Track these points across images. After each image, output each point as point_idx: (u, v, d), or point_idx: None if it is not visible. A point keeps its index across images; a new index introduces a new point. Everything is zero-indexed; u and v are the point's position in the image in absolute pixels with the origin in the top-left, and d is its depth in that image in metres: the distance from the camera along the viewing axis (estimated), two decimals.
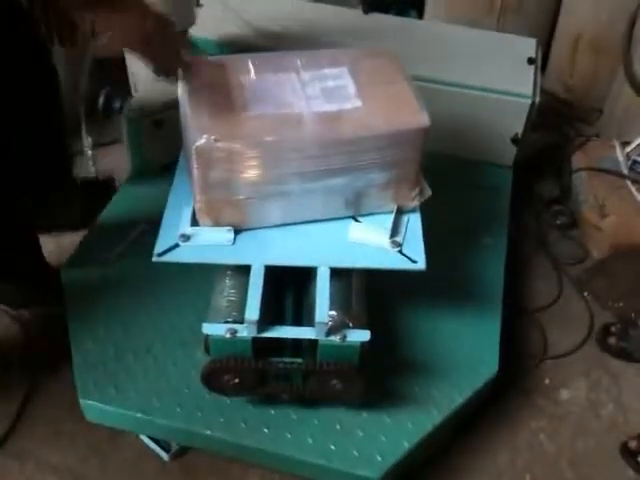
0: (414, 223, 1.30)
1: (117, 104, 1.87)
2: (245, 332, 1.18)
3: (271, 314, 1.25)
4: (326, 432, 1.31)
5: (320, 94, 1.22)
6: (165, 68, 1.25)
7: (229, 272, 1.31)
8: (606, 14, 2.32)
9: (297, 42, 1.82)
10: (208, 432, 1.30)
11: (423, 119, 1.21)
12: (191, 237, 1.22)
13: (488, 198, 1.87)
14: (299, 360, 1.23)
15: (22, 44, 1.32)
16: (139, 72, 1.85)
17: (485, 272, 1.63)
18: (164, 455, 1.45)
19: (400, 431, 1.31)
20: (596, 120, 2.48)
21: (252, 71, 1.26)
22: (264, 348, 1.22)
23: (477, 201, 1.84)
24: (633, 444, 1.50)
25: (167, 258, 1.20)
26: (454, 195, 1.70)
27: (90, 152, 1.33)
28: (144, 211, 1.67)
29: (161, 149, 1.70)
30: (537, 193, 2.18)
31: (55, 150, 1.64)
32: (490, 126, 1.90)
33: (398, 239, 1.25)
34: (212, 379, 1.25)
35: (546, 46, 2.50)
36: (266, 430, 1.31)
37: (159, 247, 1.21)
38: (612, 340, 1.72)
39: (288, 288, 1.39)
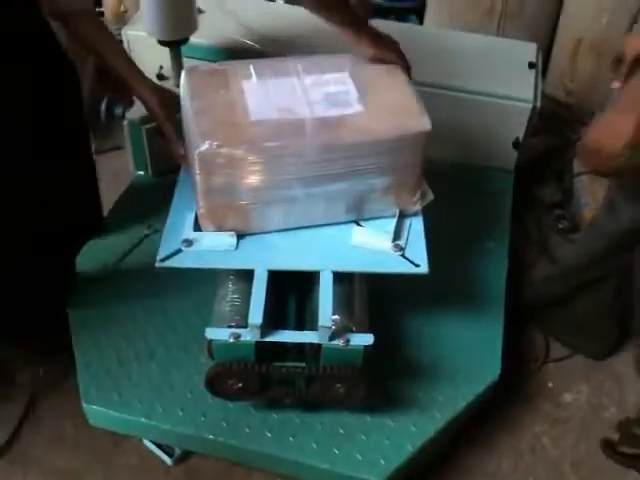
0: (416, 227, 1.30)
1: (119, 110, 1.88)
2: (248, 336, 1.18)
3: (274, 318, 1.26)
4: (329, 436, 1.31)
5: (322, 99, 1.22)
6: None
7: (232, 277, 1.31)
8: (606, 18, 2.32)
9: (297, 48, 1.82)
10: (211, 437, 1.31)
11: (424, 123, 1.21)
12: (194, 242, 1.22)
13: (489, 202, 1.87)
14: (302, 364, 1.23)
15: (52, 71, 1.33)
16: None
17: (487, 276, 1.63)
18: (167, 460, 1.45)
19: (403, 435, 1.32)
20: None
21: (254, 76, 1.26)
22: (267, 352, 1.22)
23: (479, 205, 1.84)
24: (613, 436, 1.52)
25: (170, 263, 1.20)
26: (456, 200, 1.70)
27: None
28: (147, 216, 1.67)
29: (163, 155, 1.71)
30: (539, 197, 2.18)
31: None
32: (491, 130, 1.90)
33: (400, 243, 1.25)
34: (215, 384, 1.26)
35: (547, 50, 2.51)
36: (269, 434, 1.31)
37: (162, 252, 1.21)
38: None
39: (290, 292, 1.39)
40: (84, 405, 1.35)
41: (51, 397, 1.56)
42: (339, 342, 1.18)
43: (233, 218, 1.23)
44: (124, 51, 1.42)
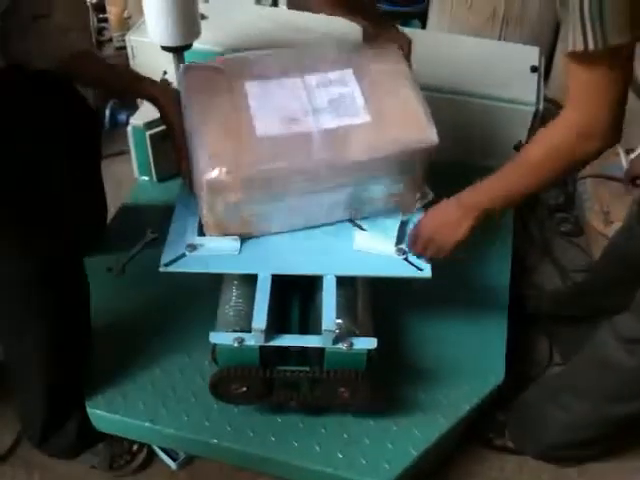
0: None
1: (123, 116, 1.89)
2: (252, 341, 1.18)
3: (278, 323, 1.26)
4: (333, 440, 1.31)
5: (327, 105, 1.20)
6: None
7: (236, 281, 1.32)
8: None
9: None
10: (215, 441, 1.31)
11: (432, 137, 1.20)
12: (198, 247, 1.22)
13: None
14: (306, 368, 1.24)
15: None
16: None
17: (490, 279, 1.63)
18: (172, 464, 1.45)
19: (407, 438, 1.32)
20: None
21: (256, 77, 1.23)
22: (271, 357, 1.23)
23: None
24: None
25: (174, 268, 1.20)
26: None
27: None
28: (151, 221, 1.68)
29: (167, 160, 1.71)
30: (542, 200, 2.18)
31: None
32: (494, 134, 1.90)
33: (404, 247, 1.25)
34: (219, 388, 1.26)
35: (549, 54, 2.51)
36: (273, 438, 1.31)
37: (166, 257, 1.21)
38: None
39: (294, 296, 1.39)
40: (88, 409, 1.36)
41: None
42: (343, 346, 1.18)
43: (237, 226, 1.23)
44: (126, 69, 1.42)
